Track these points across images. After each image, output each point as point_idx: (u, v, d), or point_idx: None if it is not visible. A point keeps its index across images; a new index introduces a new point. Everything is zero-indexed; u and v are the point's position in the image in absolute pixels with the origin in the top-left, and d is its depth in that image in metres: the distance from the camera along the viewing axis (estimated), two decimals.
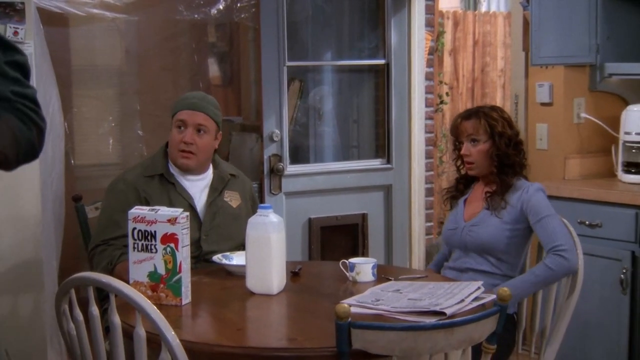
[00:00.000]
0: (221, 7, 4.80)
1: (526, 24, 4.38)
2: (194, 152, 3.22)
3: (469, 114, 3.29)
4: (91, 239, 3.28)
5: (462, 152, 3.27)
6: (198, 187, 3.28)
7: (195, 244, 3.15)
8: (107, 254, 3.09)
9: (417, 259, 4.91)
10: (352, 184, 4.78)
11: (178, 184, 3.25)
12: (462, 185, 3.41)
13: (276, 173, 4.51)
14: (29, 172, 3.44)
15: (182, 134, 3.21)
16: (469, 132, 3.25)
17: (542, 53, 4.19)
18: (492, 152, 3.22)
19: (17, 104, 1.67)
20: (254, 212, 2.86)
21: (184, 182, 3.26)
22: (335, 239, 4.76)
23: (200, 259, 3.17)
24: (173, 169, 3.27)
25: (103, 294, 3.10)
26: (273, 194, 4.50)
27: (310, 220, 4.64)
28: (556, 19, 4.13)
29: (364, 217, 4.80)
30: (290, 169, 4.57)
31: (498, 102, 9.02)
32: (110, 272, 2.99)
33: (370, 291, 2.63)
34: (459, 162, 3.39)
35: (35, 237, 3.49)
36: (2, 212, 3.40)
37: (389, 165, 4.87)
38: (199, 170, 3.29)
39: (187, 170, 3.26)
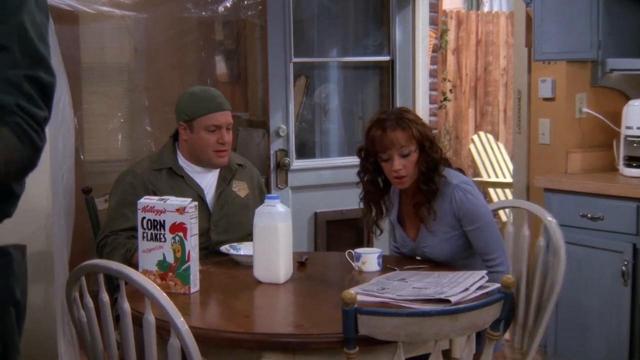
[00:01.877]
0: (228, 4, 4.84)
1: (529, 20, 4.41)
2: (227, 149, 3.30)
3: (395, 124, 2.92)
4: (100, 230, 3.32)
5: (395, 167, 2.92)
6: (207, 178, 3.33)
7: (205, 234, 3.20)
8: (122, 242, 3.13)
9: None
10: (357, 178, 4.80)
11: (187, 176, 3.29)
12: (375, 200, 3.09)
13: (282, 168, 4.55)
14: (40, 166, 3.46)
15: (216, 136, 3.26)
16: (401, 144, 2.91)
17: (544, 49, 4.22)
18: (422, 161, 2.94)
19: (17, 118, 1.60)
20: (261, 201, 2.90)
21: (193, 174, 3.31)
22: (340, 233, 4.80)
23: (211, 250, 3.21)
24: (183, 162, 3.32)
25: (113, 285, 3.15)
26: (279, 188, 4.54)
27: (316, 214, 4.69)
28: (558, 15, 4.16)
29: None
30: (296, 163, 4.62)
31: (500, 100, 9.08)
32: (129, 260, 3.03)
33: (376, 280, 2.67)
34: (366, 177, 3.06)
35: (46, 229, 3.52)
36: None
37: None
38: None
39: (221, 166, 3.33)
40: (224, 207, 3.31)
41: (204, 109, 3.28)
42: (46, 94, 1.68)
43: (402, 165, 2.92)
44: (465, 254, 3.02)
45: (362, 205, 3.14)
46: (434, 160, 2.96)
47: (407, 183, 2.98)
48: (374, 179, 3.07)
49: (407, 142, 2.92)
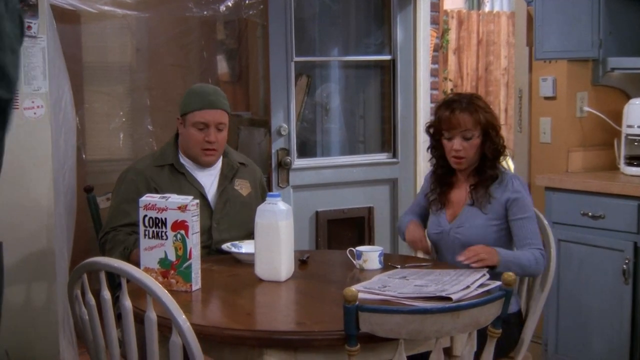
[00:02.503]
0: (230, 4, 4.85)
1: (530, 19, 4.41)
2: (216, 149, 3.28)
3: (464, 107, 3.05)
4: (102, 227, 3.33)
5: (455, 147, 3.05)
6: (209, 176, 3.33)
7: (207, 232, 3.20)
8: (121, 238, 3.13)
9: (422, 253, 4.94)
10: (358, 177, 4.82)
11: (189, 173, 3.29)
12: (443, 176, 3.20)
13: (284, 166, 4.55)
14: (41, 164, 3.51)
15: (204, 134, 3.24)
16: (466, 127, 3.04)
17: (545, 48, 4.22)
18: (486, 146, 3.06)
19: None
20: (263, 200, 2.90)
21: (194, 171, 3.31)
22: (341, 232, 4.80)
23: (213, 248, 3.21)
24: (184, 160, 3.32)
25: (115, 283, 3.16)
26: (281, 187, 4.54)
27: (317, 213, 4.69)
28: (559, 14, 4.17)
29: (370, 210, 4.85)
30: (298, 162, 4.62)
31: (501, 100, 9.08)
32: (127, 257, 3.03)
33: (377, 278, 2.67)
34: (437, 152, 3.18)
35: (47, 227, 3.53)
36: (16, 203, 3.45)
37: (394, 160, 4.92)
38: None
39: (209, 166, 3.31)
40: (226, 206, 3.31)
41: (194, 104, 3.28)
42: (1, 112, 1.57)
43: (462, 147, 3.05)
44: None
45: (431, 180, 3.24)
46: (498, 148, 3.08)
47: (464, 165, 3.09)
48: (443, 155, 3.16)
49: (472, 127, 3.04)
